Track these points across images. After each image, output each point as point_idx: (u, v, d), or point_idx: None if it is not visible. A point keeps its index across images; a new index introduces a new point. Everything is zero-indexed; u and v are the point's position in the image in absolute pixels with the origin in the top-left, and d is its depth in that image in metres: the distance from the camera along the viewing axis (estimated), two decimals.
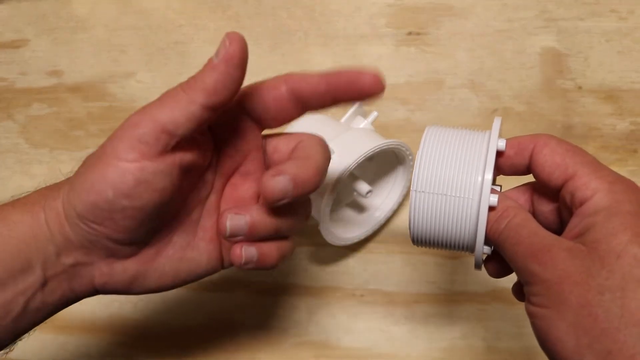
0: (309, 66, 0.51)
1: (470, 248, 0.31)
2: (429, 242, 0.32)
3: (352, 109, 0.46)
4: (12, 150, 0.54)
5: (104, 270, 0.30)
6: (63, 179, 0.31)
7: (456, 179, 0.29)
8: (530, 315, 0.27)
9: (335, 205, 0.47)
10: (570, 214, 0.28)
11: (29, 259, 0.29)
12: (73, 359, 0.50)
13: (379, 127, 0.47)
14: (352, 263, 0.50)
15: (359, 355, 0.48)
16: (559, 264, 0.26)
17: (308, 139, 0.32)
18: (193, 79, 0.28)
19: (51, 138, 0.54)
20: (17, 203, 0.30)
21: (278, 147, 0.33)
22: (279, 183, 0.29)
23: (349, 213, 0.49)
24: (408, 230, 0.50)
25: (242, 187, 0.34)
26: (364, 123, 0.45)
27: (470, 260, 0.48)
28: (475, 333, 0.47)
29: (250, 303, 0.49)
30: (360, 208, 0.49)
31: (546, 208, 0.31)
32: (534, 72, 0.49)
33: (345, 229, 0.47)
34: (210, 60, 0.28)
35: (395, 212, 0.49)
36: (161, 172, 0.28)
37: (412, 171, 0.47)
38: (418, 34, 0.51)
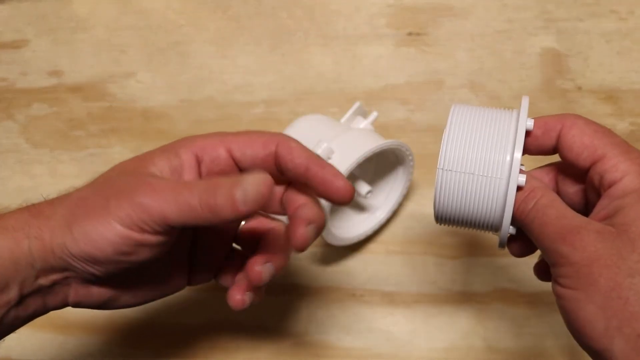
0: (309, 66, 0.52)
1: (495, 227, 0.30)
2: (453, 221, 0.31)
3: (352, 109, 0.46)
4: (13, 150, 0.54)
5: (80, 291, 0.32)
6: (42, 200, 0.32)
7: (484, 158, 0.29)
8: (558, 296, 0.27)
9: (336, 205, 0.47)
10: (598, 195, 0.28)
11: (7, 281, 0.29)
12: (73, 359, 0.50)
13: (379, 127, 0.47)
14: (352, 263, 0.50)
15: (359, 355, 0.48)
16: (588, 246, 0.25)
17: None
18: (213, 198, 0.28)
19: (51, 138, 0.54)
20: None
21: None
22: (311, 231, 0.31)
23: (349, 213, 0.49)
24: (411, 226, 0.50)
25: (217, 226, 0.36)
26: (364, 123, 0.45)
27: (470, 260, 0.48)
28: (475, 333, 0.47)
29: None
30: (360, 208, 0.49)
31: (571, 189, 0.31)
32: (533, 73, 0.49)
33: (345, 229, 0.47)
34: (235, 192, 0.28)
35: (395, 212, 0.49)
36: (159, 241, 0.29)
37: (411, 171, 0.47)
38: (418, 34, 0.51)
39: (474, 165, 0.29)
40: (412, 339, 0.48)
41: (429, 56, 0.50)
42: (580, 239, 0.26)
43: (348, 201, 0.32)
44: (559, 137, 0.29)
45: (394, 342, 0.48)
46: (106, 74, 0.54)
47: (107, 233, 0.28)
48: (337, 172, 0.32)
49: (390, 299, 0.49)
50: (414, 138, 0.49)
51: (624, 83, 0.49)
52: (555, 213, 0.27)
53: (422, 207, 0.50)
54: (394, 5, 0.51)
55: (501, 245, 0.31)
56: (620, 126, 0.49)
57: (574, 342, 0.27)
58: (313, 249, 0.50)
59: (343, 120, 0.46)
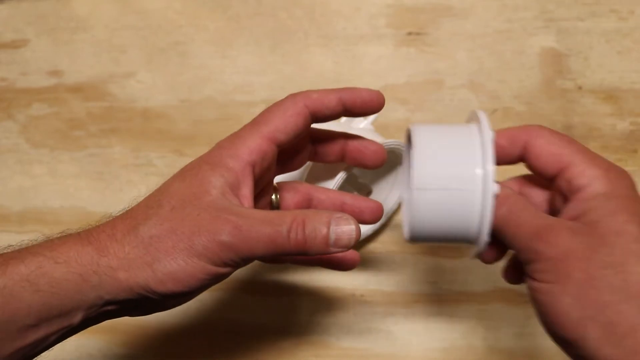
0: (309, 66, 0.52)
1: (472, 238, 0.31)
2: (429, 237, 0.32)
3: None
4: (13, 150, 0.54)
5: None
6: (105, 220, 0.31)
7: (457, 173, 0.30)
8: (534, 290, 0.28)
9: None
10: (565, 200, 0.30)
11: (71, 309, 0.29)
12: (73, 359, 0.50)
13: (379, 127, 0.47)
14: None
15: (359, 355, 0.48)
16: (562, 242, 0.27)
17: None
18: (302, 234, 0.30)
19: (51, 138, 0.54)
20: (60, 258, 0.29)
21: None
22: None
23: None
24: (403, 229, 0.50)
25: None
26: (364, 123, 0.45)
27: (470, 260, 0.48)
28: (475, 333, 0.47)
29: (251, 303, 0.50)
30: None
31: (536, 200, 0.33)
32: (533, 73, 0.49)
33: None
34: (326, 233, 0.30)
35: (395, 212, 0.49)
36: (236, 269, 0.31)
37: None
38: (418, 34, 0.51)
39: (448, 181, 0.30)
40: (412, 339, 0.48)
41: (428, 56, 0.50)
42: (554, 235, 0.27)
43: (383, 104, 0.35)
44: (525, 147, 0.31)
45: (394, 342, 0.48)
46: (106, 74, 0.54)
47: (196, 272, 0.29)
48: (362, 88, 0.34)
49: (390, 299, 0.49)
50: None
51: (624, 83, 0.49)
52: (528, 215, 0.29)
53: None
54: (394, 5, 0.51)
55: (478, 253, 0.32)
56: (621, 126, 0.49)
57: None
58: None
59: (343, 120, 0.46)
